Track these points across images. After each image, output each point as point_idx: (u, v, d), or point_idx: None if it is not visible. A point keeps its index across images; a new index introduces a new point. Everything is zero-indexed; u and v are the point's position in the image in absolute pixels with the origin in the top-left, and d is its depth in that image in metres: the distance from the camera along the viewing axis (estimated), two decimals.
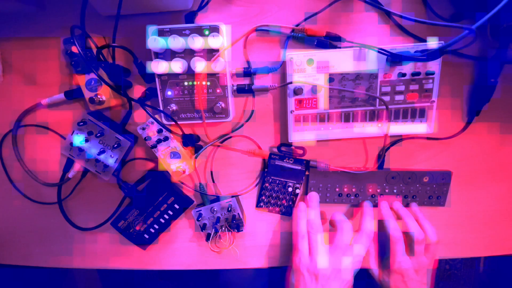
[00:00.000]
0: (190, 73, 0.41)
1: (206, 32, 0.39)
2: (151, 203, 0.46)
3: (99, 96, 0.42)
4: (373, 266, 0.45)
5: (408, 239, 0.42)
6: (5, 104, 0.47)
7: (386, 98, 0.42)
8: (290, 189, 0.46)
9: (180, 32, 0.39)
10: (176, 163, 0.44)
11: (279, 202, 0.47)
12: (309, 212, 0.43)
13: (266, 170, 0.46)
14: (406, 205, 0.47)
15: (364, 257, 0.42)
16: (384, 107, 0.41)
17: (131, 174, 0.48)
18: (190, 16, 0.42)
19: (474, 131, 0.45)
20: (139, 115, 0.46)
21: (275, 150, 0.47)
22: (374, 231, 0.43)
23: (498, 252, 0.49)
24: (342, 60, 0.40)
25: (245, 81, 0.45)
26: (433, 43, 0.38)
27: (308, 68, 0.41)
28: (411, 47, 0.39)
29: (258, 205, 0.48)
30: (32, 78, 0.46)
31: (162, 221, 0.47)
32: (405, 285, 0.41)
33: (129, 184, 0.47)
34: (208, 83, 0.42)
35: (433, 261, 0.43)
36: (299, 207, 0.45)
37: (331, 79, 0.41)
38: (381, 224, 0.44)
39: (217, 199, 0.47)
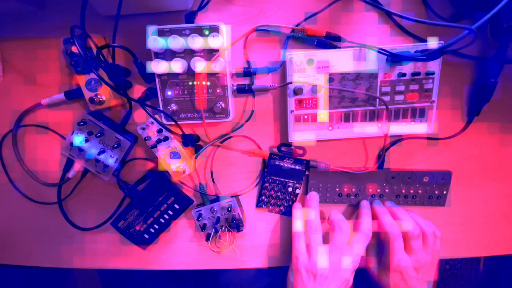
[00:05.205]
0: (190, 73, 0.41)
1: (206, 32, 0.39)
2: (151, 203, 0.46)
3: (99, 96, 0.42)
4: (372, 265, 0.45)
5: (405, 236, 0.42)
6: (5, 104, 0.47)
7: (386, 98, 0.42)
8: (290, 189, 0.46)
9: (180, 32, 0.39)
10: (176, 163, 0.44)
11: (279, 202, 0.47)
12: (309, 212, 0.43)
13: (266, 170, 0.46)
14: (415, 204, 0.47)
15: (362, 257, 0.42)
16: (384, 107, 0.41)
17: (131, 174, 0.48)
18: (190, 16, 0.42)
19: (474, 131, 0.45)
20: (139, 115, 0.46)
21: (275, 150, 0.47)
22: (372, 230, 0.42)
23: (498, 252, 0.48)
24: (342, 60, 0.40)
25: (245, 81, 0.45)
26: (433, 43, 0.38)
27: (308, 68, 0.41)
28: (411, 47, 0.39)
29: (258, 205, 0.48)
30: (32, 78, 0.46)
31: (162, 221, 0.47)
32: (405, 283, 0.41)
33: (129, 184, 0.47)
34: (208, 83, 0.42)
35: (436, 257, 0.42)
36: (295, 207, 0.45)
37: (331, 79, 0.41)
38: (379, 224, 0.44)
39: (217, 199, 0.47)
